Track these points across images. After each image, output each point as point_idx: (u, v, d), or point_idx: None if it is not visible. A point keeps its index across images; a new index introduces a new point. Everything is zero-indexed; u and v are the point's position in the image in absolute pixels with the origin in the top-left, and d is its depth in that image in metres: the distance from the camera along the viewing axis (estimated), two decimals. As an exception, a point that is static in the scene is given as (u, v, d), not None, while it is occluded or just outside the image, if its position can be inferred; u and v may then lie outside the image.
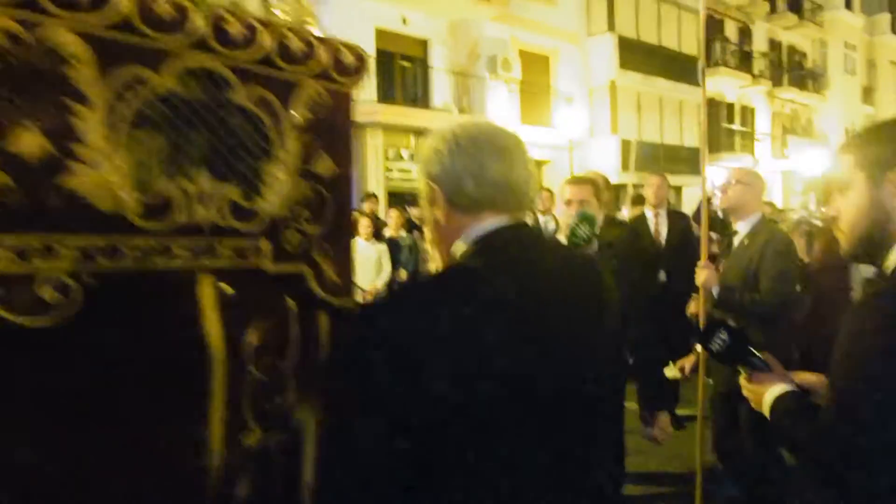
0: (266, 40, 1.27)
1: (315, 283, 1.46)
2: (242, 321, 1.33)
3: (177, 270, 1.23)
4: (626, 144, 20.96)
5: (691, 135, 23.80)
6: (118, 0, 1.08)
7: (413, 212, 9.05)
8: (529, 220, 1.19)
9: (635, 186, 21.71)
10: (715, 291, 3.56)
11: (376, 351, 1.06)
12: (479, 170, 1.21)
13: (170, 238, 1.21)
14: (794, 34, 27.55)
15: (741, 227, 3.70)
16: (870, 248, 1.40)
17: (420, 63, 16.84)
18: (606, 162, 20.14)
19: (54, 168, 1.06)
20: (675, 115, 23.48)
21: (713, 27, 24.17)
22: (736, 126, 25.42)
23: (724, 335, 1.58)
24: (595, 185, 3.17)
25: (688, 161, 23.11)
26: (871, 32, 31.60)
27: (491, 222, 1.22)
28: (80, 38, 1.06)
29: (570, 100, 19.79)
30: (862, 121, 31.28)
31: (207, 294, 1.28)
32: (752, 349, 1.57)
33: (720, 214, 5.06)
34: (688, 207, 21.12)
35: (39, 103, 1.04)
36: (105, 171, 1.11)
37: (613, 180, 19.74)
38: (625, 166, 20.71)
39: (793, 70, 27.34)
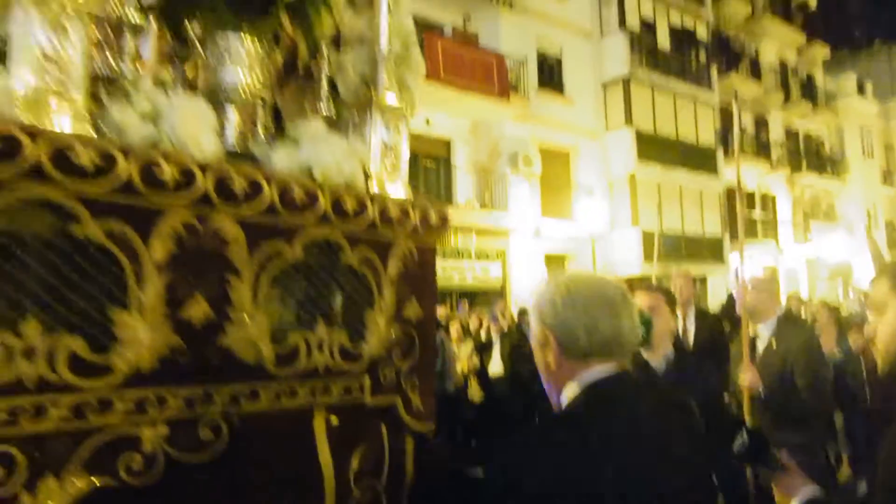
0: (372, 211, 1.55)
1: (404, 412, 1.68)
2: (347, 448, 1.55)
3: (298, 408, 1.46)
4: (647, 236, 21.23)
5: (712, 224, 24.11)
6: (267, 192, 1.36)
7: (440, 311, 9.28)
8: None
9: (658, 279, 21.95)
10: (762, 392, 3.69)
11: (505, 493, 1.22)
12: (591, 323, 1.37)
13: (295, 381, 1.45)
14: (810, 121, 28.21)
15: (763, 330, 3.94)
16: None
17: (443, 162, 17.49)
18: (628, 254, 20.42)
19: (214, 330, 1.31)
20: (695, 205, 23.83)
21: (728, 119, 24.92)
22: (758, 213, 25.74)
23: (743, 436, 1.71)
24: (668, 293, 3.40)
25: (710, 250, 23.34)
26: (885, 118, 32.27)
27: (599, 370, 1.38)
28: (238, 224, 1.33)
29: (591, 193, 20.28)
30: (884, 202, 31.51)
31: (320, 426, 1.50)
32: (770, 450, 1.70)
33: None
34: (712, 298, 21.18)
35: (205, 278, 1.30)
36: (250, 329, 1.36)
37: (636, 272, 20.01)
38: (647, 258, 20.92)
39: (810, 156, 27.84)
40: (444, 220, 1.72)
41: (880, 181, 31.60)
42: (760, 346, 3.92)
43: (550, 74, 20.38)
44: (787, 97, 26.86)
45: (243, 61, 1.45)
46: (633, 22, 21.44)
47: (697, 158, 23.12)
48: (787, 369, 3.68)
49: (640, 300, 3.23)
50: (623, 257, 20.55)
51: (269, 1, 1.39)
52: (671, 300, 3.32)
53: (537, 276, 18.44)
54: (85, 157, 1.12)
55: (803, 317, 7.84)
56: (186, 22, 1.45)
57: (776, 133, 26.63)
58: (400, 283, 1.65)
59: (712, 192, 23.90)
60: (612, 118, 21.41)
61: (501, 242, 17.93)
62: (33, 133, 1.07)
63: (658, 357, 3.12)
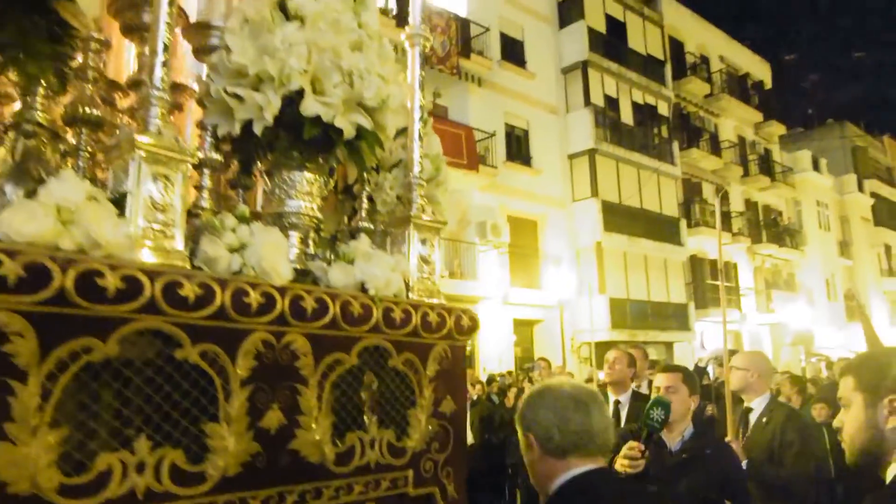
0: (415, 319, 1.74)
1: (441, 500, 1.83)
2: (392, 538, 1.70)
3: (353, 503, 1.61)
4: (614, 303, 21.67)
5: (677, 292, 24.70)
6: (331, 309, 1.54)
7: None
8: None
9: (626, 343, 22.32)
10: (744, 464, 3.90)
11: None
12: (563, 420, 1.68)
13: (352, 478, 1.60)
14: (769, 194, 29.43)
15: (755, 405, 4.21)
16: (867, 459, 1.71)
17: (414, 231, 17.75)
18: (596, 320, 20.76)
19: (286, 435, 1.47)
20: (660, 273, 24.45)
21: (692, 190, 25.87)
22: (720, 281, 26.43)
23: None
24: (686, 373, 3.53)
25: (676, 317, 23.86)
26: (840, 192, 33.81)
27: (577, 468, 1.66)
28: (307, 339, 1.51)
29: (559, 262, 20.72)
30: (841, 273, 32.65)
31: (369, 519, 1.65)
32: None
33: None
34: (679, 363, 21.54)
35: (279, 389, 1.47)
36: (315, 432, 1.52)
37: (603, 338, 20.35)
38: (615, 325, 21.31)
39: (770, 227, 28.91)
40: (473, 322, 1.91)
41: (837, 253, 32.83)
42: (754, 420, 4.17)
43: (518, 146, 21.07)
44: (746, 171, 28.09)
45: (304, 192, 1.66)
46: (597, 98, 22.39)
47: (662, 228, 23.89)
48: (774, 444, 3.92)
49: (659, 381, 3.40)
50: (591, 323, 20.93)
51: (329, 140, 1.60)
52: (689, 379, 3.45)
53: (505, 344, 18.64)
54: (189, 291, 1.29)
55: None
56: (256, 158, 1.65)
57: (737, 205, 27.66)
58: (437, 382, 1.82)
59: (677, 260, 24.60)
60: (579, 189, 22.09)
61: (471, 311, 18.09)
62: (151, 273, 1.25)
63: (676, 436, 3.27)
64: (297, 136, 1.56)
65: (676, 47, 25.65)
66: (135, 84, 1.75)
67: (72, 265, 1.15)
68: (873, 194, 35.06)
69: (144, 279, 1.23)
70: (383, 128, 1.66)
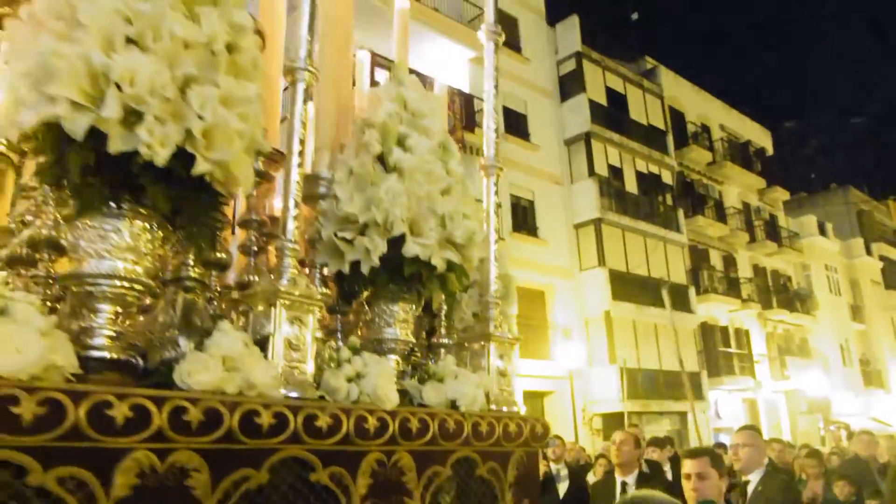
0: (498, 430, 1.94)
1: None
2: None
3: None
4: (625, 372, 21.67)
5: (689, 360, 24.67)
6: (431, 428, 1.75)
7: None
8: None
9: (638, 414, 22.24)
10: None
11: None
12: None
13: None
14: (776, 259, 29.74)
15: (752, 478, 4.55)
16: None
17: (424, 306, 17.96)
18: (607, 391, 20.77)
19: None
20: (671, 341, 24.51)
21: (699, 257, 26.20)
22: (733, 349, 26.49)
23: None
24: (713, 455, 3.69)
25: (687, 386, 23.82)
26: (848, 256, 34.15)
27: None
28: (411, 456, 1.72)
29: (568, 332, 20.83)
30: (855, 338, 32.64)
31: None
32: None
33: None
34: (693, 434, 21.42)
35: (390, 503, 1.67)
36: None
37: (615, 409, 20.30)
38: (627, 395, 21.26)
39: (779, 293, 29.11)
40: (545, 429, 2.12)
41: (850, 317, 32.92)
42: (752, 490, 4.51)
43: (524, 217, 21.48)
44: (753, 237, 28.47)
45: (401, 320, 1.89)
46: (601, 168, 22.94)
47: (670, 296, 24.09)
48: None
49: (688, 468, 3.56)
50: (602, 394, 20.93)
51: (421, 275, 1.84)
52: (717, 462, 3.61)
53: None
54: (323, 421, 1.51)
55: (789, 461, 8.29)
56: (358, 290, 1.89)
57: (745, 271, 27.93)
58: (516, 486, 2.01)
59: (687, 328, 24.69)
60: (586, 258, 22.40)
61: (484, 387, 18.11)
62: (294, 408, 1.47)
63: None
64: (396, 272, 1.80)
65: (677, 117, 26.42)
66: (244, 223, 2.00)
67: (237, 407, 1.37)
68: (882, 257, 35.39)
69: (289, 414, 1.45)
70: (470, 260, 1.91)
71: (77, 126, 1.22)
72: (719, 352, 25.83)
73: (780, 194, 30.68)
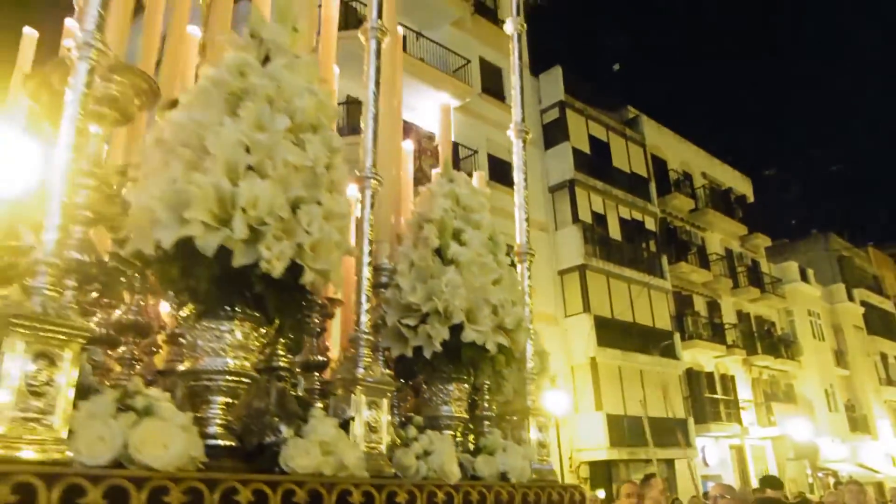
0: (544, 498, 2.13)
1: None
2: None
3: None
4: (611, 419, 21.80)
5: (675, 406, 24.86)
6: (489, 499, 1.94)
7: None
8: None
9: (626, 462, 22.32)
10: None
11: None
12: None
13: None
14: (760, 305, 30.24)
15: None
16: None
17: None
18: (594, 438, 20.87)
19: None
20: (657, 387, 24.71)
21: (683, 303, 26.59)
22: (719, 395, 26.76)
23: None
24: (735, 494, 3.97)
25: (675, 433, 23.96)
26: (830, 301, 34.77)
27: None
28: None
29: (554, 379, 20.95)
30: (839, 383, 33.06)
31: None
32: None
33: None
34: (681, 482, 21.50)
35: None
36: None
37: (601, 457, 20.37)
38: (613, 442, 21.37)
39: (764, 338, 29.52)
40: (582, 497, 2.31)
41: (834, 362, 33.38)
42: None
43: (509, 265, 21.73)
44: (736, 283, 28.98)
45: (455, 398, 2.09)
46: (584, 215, 23.38)
47: (656, 342, 24.38)
48: None
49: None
50: (589, 441, 21.01)
51: (474, 359, 2.05)
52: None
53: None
54: (402, 497, 1.70)
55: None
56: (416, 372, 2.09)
57: (729, 316, 28.35)
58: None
59: (672, 374, 24.93)
60: (571, 304, 22.65)
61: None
62: (379, 487, 1.66)
63: None
64: (454, 355, 2.01)
65: (659, 165, 27.07)
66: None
67: (334, 488, 1.56)
68: (863, 303, 36.06)
69: (375, 492, 1.64)
70: (518, 343, 2.12)
71: (208, 245, 1.42)
72: (705, 398, 26.07)
73: (762, 240, 31.34)
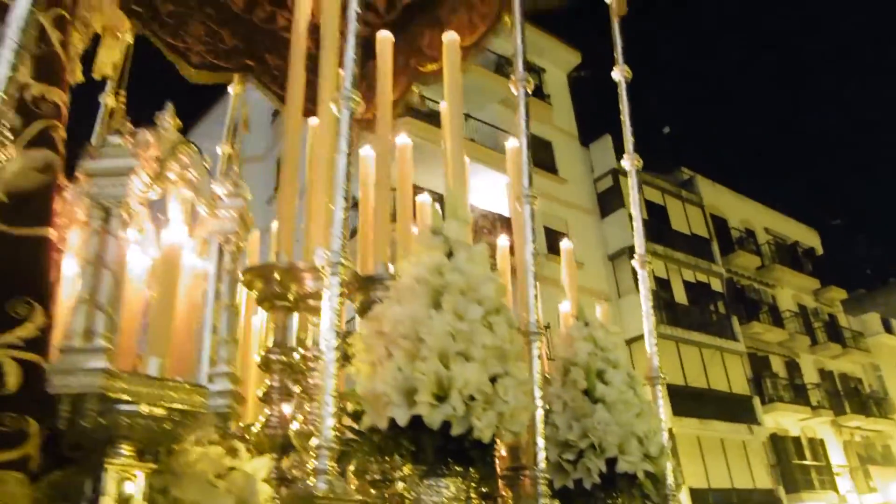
0: None
1: None
2: None
3: None
4: (694, 494, 21.35)
5: (762, 475, 24.30)
6: None
7: None
8: None
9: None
10: None
11: None
12: None
13: None
14: (843, 361, 29.57)
15: None
16: None
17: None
18: (681, 517, 20.40)
19: None
20: (740, 456, 24.20)
21: (759, 365, 26.20)
22: (809, 461, 26.00)
23: None
24: None
25: (762, 504, 23.35)
26: (918, 351, 33.83)
27: None
28: None
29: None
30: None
31: None
32: None
33: None
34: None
35: None
36: None
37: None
38: (701, 517, 20.94)
39: (851, 397, 28.75)
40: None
41: (931, 418, 32.23)
42: None
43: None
44: (814, 340, 28.50)
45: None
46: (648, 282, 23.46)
47: (734, 408, 23.99)
48: None
49: None
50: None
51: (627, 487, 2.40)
52: None
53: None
54: None
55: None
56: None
57: (810, 376, 27.77)
58: None
59: (756, 441, 24.42)
60: (640, 374, 22.52)
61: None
62: None
63: None
64: (609, 484, 2.37)
65: (720, 224, 27.18)
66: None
67: None
68: (954, 351, 34.98)
69: None
70: (660, 467, 2.47)
71: (435, 420, 1.84)
72: (794, 465, 25.38)
73: (837, 293, 30.86)
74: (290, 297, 2.26)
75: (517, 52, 2.81)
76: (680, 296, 24.84)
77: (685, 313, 24.43)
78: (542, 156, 22.62)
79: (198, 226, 1.74)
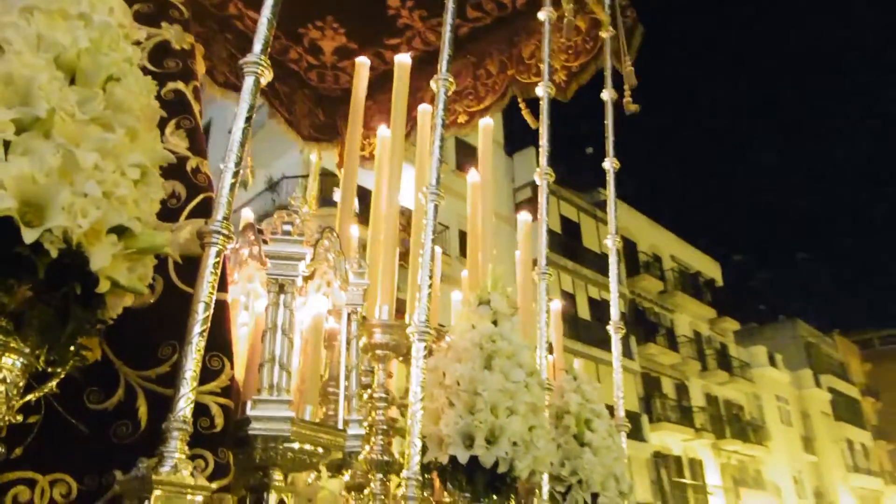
0: None
1: None
2: None
3: None
4: None
5: (643, 491, 25.88)
6: None
7: None
8: None
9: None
10: None
11: None
12: None
13: None
14: (728, 389, 31.87)
15: None
16: None
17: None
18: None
19: None
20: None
21: (650, 385, 27.95)
22: (686, 479, 27.97)
23: None
24: None
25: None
26: (798, 386, 36.70)
27: None
28: None
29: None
30: (808, 469, 34.65)
31: None
32: None
33: None
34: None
35: None
36: None
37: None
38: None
39: (732, 422, 31.03)
40: None
41: (802, 448, 35.07)
42: None
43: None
44: (705, 366, 30.60)
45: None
46: (554, 294, 24.56)
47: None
48: None
49: None
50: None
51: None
52: None
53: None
54: None
55: None
56: None
57: (697, 399, 29.81)
58: None
59: (639, 458, 26.05)
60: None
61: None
62: None
63: None
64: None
65: (629, 246, 28.75)
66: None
67: None
68: (830, 389, 38.10)
69: None
70: (630, 501, 3.18)
71: (488, 460, 2.46)
72: (673, 482, 27.20)
73: (730, 324, 33.21)
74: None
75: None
76: (583, 311, 26.19)
77: (586, 328, 25.73)
78: (467, 160, 23.27)
79: (332, 298, 2.29)
